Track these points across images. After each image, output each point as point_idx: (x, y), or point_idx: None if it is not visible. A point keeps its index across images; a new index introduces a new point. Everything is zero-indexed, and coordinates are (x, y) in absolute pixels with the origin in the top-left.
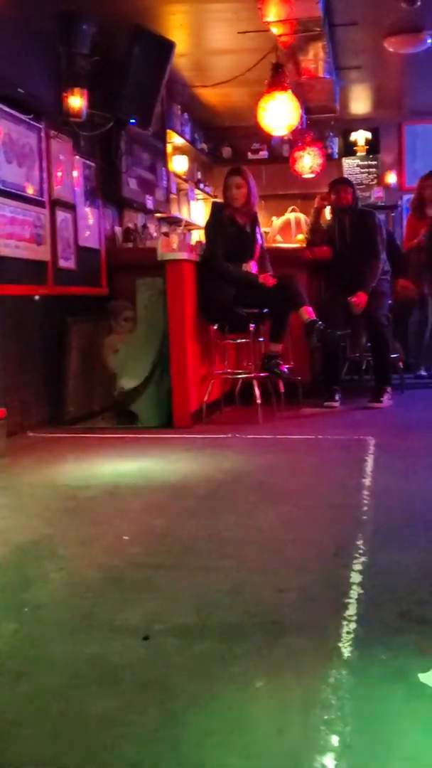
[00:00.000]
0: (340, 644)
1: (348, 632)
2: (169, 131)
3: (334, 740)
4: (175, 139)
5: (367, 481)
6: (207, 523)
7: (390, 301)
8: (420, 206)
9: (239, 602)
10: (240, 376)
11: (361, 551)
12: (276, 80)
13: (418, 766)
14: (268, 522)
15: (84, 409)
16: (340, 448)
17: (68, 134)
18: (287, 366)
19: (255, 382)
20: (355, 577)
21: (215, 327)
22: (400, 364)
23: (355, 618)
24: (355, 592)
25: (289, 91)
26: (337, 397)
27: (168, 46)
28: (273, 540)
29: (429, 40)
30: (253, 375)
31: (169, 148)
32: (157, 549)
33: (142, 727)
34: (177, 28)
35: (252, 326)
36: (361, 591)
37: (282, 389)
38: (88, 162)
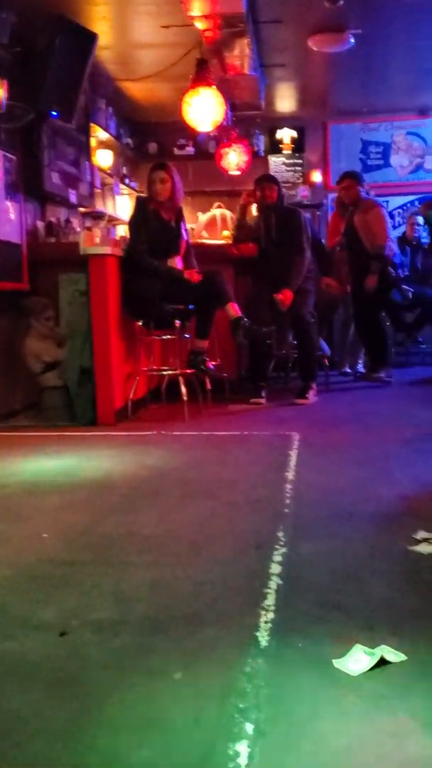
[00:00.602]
0: (258, 634)
1: (266, 622)
2: (93, 125)
3: (249, 728)
4: (99, 134)
5: (289, 476)
6: (128, 520)
7: (315, 299)
8: (343, 204)
9: (158, 596)
10: (166, 372)
11: (281, 543)
12: (200, 76)
13: (328, 748)
14: (191, 517)
15: (5, 407)
16: (265, 444)
17: None
18: (213, 363)
19: (181, 379)
20: (275, 569)
21: (140, 323)
22: (326, 361)
23: (273, 608)
24: (274, 583)
25: (214, 87)
26: (263, 394)
27: (90, 38)
28: (195, 534)
29: (352, 40)
30: (179, 372)
31: (93, 142)
32: (76, 546)
33: (56, 723)
34: (100, 20)
35: (178, 322)
36: (280, 582)
37: (209, 386)
38: (8, 155)
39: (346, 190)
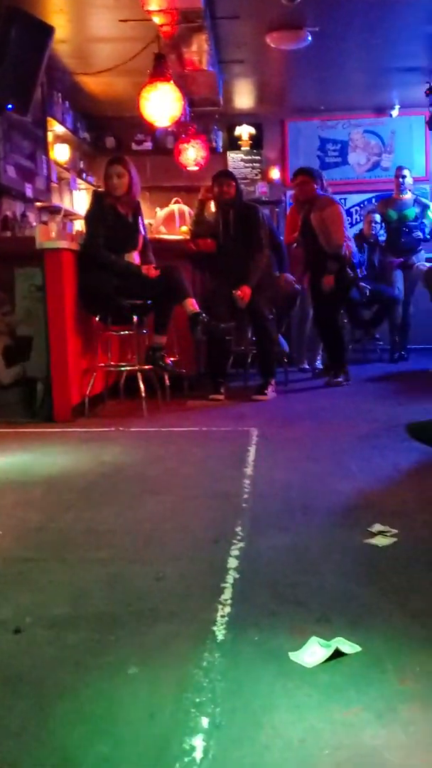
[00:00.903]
0: (215, 628)
1: (222, 616)
2: (50, 119)
3: (204, 721)
4: (56, 128)
5: (248, 471)
6: (85, 516)
7: (273, 296)
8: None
9: (115, 592)
10: (124, 368)
11: (239, 537)
12: (158, 70)
13: (284, 740)
14: (149, 513)
15: None
16: (224, 439)
17: None
18: (172, 359)
19: (139, 375)
20: (232, 563)
21: (97, 318)
22: (284, 358)
23: (230, 602)
24: (231, 578)
25: (172, 82)
26: (222, 390)
27: (47, 30)
28: (152, 530)
29: (309, 38)
30: (137, 368)
31: (50, 136)
32: (31, 543)
33: (10, 721)
34: (56, 13)
35: (135, 318)
36: (237, 576)
37: (167, 382)
38: None
39: (300, 187)
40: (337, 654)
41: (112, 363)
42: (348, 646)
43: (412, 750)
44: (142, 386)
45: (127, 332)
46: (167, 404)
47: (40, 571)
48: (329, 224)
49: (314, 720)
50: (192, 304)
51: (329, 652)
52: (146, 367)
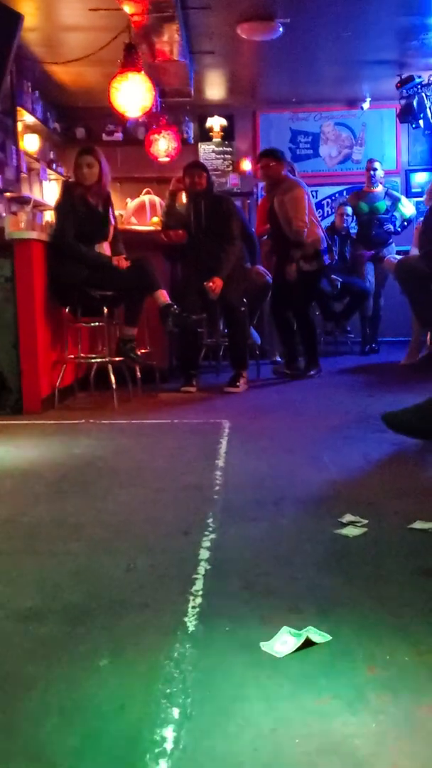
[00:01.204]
0: (186, 619)
1: (194, 607)
2: (19, 109)
3: (175, 712)
4: (26, 117)
5: (219, 462)
6: (55, 508)
7: (245, 287)
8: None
9: (85, 584)
10: (94, 360)
11: (210, 529)
12: (129, 61)
13: (254, 729)
14: (119, 504)
15: None
16: (195, 431)
17: None
18: (143, 350)
19: (110, 367)
20: (204, 554)
21: (67, 309)
22: (256, 350)
23: (201, 593)
24: (202, 568)
25: (143, 72)
26: (194, 382)
27: (16, 18)
28: (123, 522)
29: (281, 29)
30: (107, 359)
31: (19, 126)
32: (1, 535)
33: None
34: (26, 1)
35: (106, 309)
36: (209, 566)
37: (138, 374)
38: None
39: (264, 170)
40: (308, 643)
41: (82, 355)
42: (318, 636)
43: (382, 737)
44: (112, 378)
45: (97, 324)
46: (138, 396)
47: (10, 564)
48: (289, 209)
49: (285, 709)
50: (163, 296)
51: (300, 642)
52: (117, 359)
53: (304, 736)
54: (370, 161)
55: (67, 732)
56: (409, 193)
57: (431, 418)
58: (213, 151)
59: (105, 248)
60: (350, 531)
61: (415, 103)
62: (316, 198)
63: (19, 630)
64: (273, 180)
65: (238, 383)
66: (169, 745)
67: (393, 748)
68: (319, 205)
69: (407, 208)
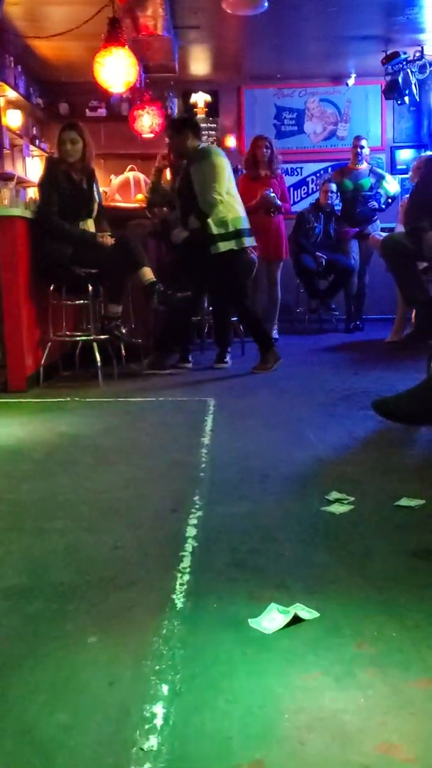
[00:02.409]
0: (174, 596)
1: (181, 584)
2: (1, 84)
3: (164, 689)
4: (8, 93)
5: (205, 440)
6: (41, 486)
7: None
8: (254, 166)
9: (72, 561)
10: (79, 338)
11: (197, 506)
12: (113, 35)
13: (242, 705)
14: (106, 482)
15: None
16: (181, 409)
17: None
18: (127, 328)
19: (95, 345)
20: (191, 532)
21: (52, 287)
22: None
23: (188, 570)
24: (190, 546)
25: (126, 47)
26: (189, 359)
27: None
28: (110, 500)
29: (266, 4)
30: (92, 337)
31: (1, 101)
32: None
33: None
34: None
35: (90, 287)
36: (196, 544)
37: (123, 352)
38: None
39: (169, 147)
40: (296, 620)
41: (67, 333)
42: (306, 612)
43: (370, 712)
44: (98, 356)
45: (82, 302)
46: (123, 374)
47: None
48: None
49: (273, 685)
50: (148, 273)
51: (288, 618)
52: (102, 336)
53: (293, 712)
54: (357, 138)
55: (56, 709)
56: (394, 170)
57: (427, 403)
58: None
59: (89, 225)
60: (336, 508)
61: (400, 79)
62: (301, 175)
63: (7, 608)
64: (180, 155)
65: (225, 360)
66: (158, 722)
67: (381, 722)
68: (304, 182)
69: (392, 185)
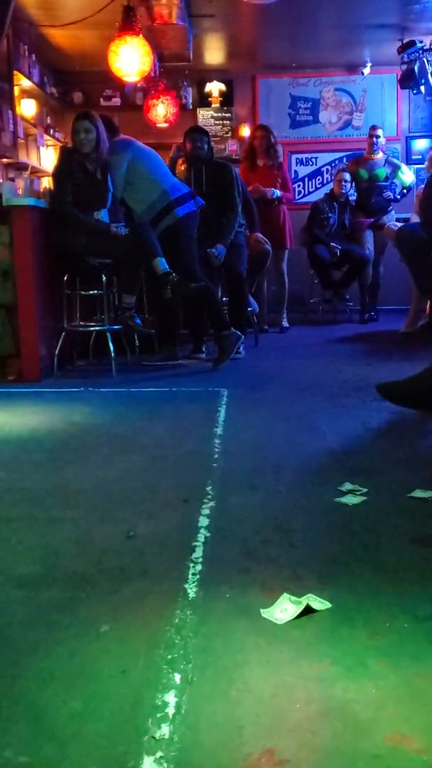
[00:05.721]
0: (186, 585)
1: (194, 574)
2: (16, 73)
3: (176, 678)
4: (23, 82)
5: (218, 431)
6: (55, 475)
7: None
8: (252, 156)
9: (86, 551)
10: (93, 328)
11: (210, 496)
12: (127, 24)
13: (254, 694)
14: (119, 472)
15: None
16: (194, 399)
17: None
18: (141, 318)
19: (108, 335)
20: (203, 522)
21: (66, 277)
22: (254, 317)
23: (201, 560)
24: (202, 536)
25: (141, 36)
26: (203, 350)
27: None
28: (123, 489)
29: None
30: (106, 327)
31: (16, 90)
32: (1, 503)
33: None
34: None
35: (104, 277)
36: (208, 534)
37: (136, 342)
38: None
39: None
40: (308, 610)
41: (81, 323)
42: (318, 603)
43: (382, 703)
44: (111, 346)
45: (96, 292)
46: (136, 364)
47: (10, 530)
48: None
49: (285, 675)
50: (162, 264)
51: (300, 609)
52: (115, 326)
53: (305, 702)
54: (373, 128)
55: (69, 697)
56: (409, 160)
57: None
58: (212, 117)
59: (103, 215)
60: (349, 499)
61: (416, 68)
62: (316, 165)
63: (20, 596)
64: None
65: (239, 350)
66: (171, 710)
67: (392, 713)
68: (319, 173)
69: (407, 175)
